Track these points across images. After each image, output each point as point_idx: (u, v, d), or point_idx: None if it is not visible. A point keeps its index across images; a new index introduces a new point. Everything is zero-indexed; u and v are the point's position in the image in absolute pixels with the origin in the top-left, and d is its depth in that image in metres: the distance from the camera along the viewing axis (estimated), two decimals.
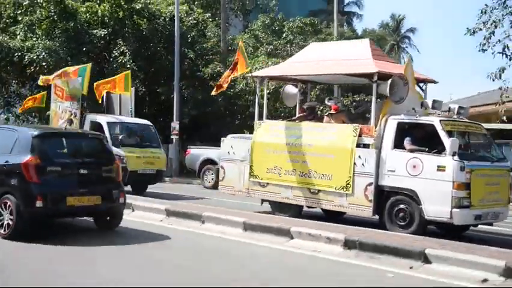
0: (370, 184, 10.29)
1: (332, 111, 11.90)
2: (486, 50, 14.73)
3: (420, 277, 7.09)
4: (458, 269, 7.18)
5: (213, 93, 13.45)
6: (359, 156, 10.43)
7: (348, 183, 10.50)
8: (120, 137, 15.42)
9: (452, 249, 7.68)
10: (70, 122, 15.69)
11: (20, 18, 24.75)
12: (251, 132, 22.55)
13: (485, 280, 6.85)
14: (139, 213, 11.31)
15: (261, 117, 12.58)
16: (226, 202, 13.86)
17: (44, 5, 24.21)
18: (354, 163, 10.45)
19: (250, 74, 13.64)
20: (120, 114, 17.56)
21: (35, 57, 22.69)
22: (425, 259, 7.49)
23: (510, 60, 14.49)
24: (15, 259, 7.43)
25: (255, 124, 12.47)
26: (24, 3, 24.55)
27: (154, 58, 25.72)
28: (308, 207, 11.79)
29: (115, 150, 14.98)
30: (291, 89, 13.22)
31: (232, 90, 25.07)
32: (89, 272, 6.84)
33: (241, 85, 24.73)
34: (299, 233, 8.90)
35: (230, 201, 13.90)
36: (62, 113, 15.91)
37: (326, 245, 8.46)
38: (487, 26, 14.51)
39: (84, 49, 24.06)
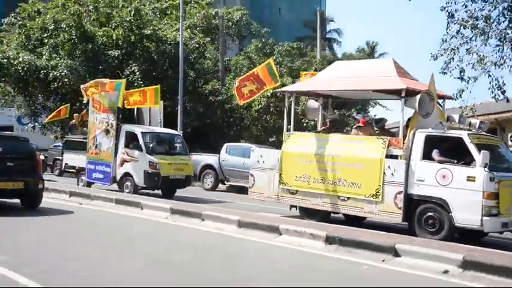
0: (400, 192, 9.69)
1: (360, 124, 11.22)
2: (446, 73, 14.86)
3: (391, 269, 7.11)
4: (424, 261, 7.18)
5: (240, 102, 13.34)
6: (389, 167, 9.85)
7: (378, 192, 9.91)
8: (151, 145, 14.91)
9: (419, 245, 7.68)
10: (107, 132, 15.19)
11: (46, 41, 25.03)
12: (246, 142, 22.75)
13: (446, 271, 6.88)
14: (147, 211, 11.33)
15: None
16: (250, 206, 12.86)
17: (66, 29, 24.55)
18: (384, 173, 9.85)
19: (279, 89, 13.26)
20: (150, 124, 17.01)
21: (58, 74, 23.01)
22: (395, 253, 7.48)
23: (468, 83, 14.66)
24: None
25: (283, 135, 11.75)
26: (50, 28, 24.84)
27: (160, 77, 25.68)
28: (334, 213, 11.04)
29: (149, 157, 14.58)
30: (313, 103, 12.57)
31: (229, 106, 25.09)
32: None
33: (237, 101, 24.67)
34: (287, 230, 8.80)
35: (245, 204, 13.15)
36: (99, 124, 15.36)
37: (309, 240, 8.39)
38: (446, 53, 14.66)
39: (100, 67, 24.25)
